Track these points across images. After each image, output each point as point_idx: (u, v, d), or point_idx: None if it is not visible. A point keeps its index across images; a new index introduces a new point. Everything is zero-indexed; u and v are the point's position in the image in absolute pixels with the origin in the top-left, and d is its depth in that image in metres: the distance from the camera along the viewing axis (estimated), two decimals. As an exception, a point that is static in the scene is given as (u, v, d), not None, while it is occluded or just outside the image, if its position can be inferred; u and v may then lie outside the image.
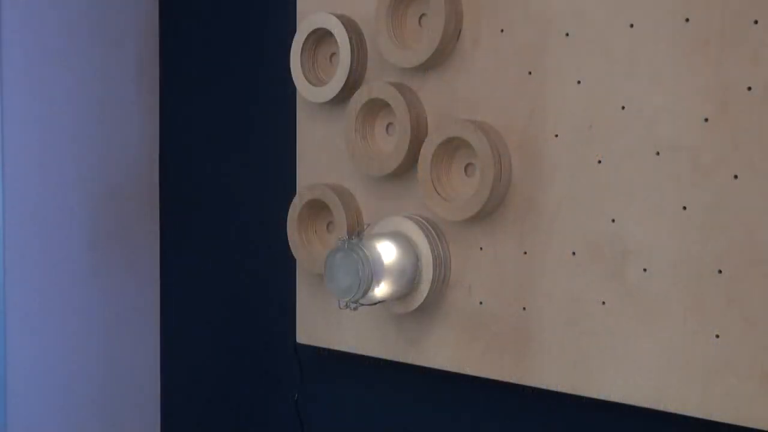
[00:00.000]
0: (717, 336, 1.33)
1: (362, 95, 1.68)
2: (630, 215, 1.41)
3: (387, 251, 1.58)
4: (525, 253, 1.53)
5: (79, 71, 2.12)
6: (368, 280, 1.53)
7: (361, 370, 1.65)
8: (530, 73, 1.51)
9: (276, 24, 1.96)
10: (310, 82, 1.79)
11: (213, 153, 2.16)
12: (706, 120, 1.33)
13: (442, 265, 1.61)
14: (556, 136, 1.49)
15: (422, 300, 1.61)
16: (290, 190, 1.86)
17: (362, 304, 1.59)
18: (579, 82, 1.46)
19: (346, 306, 1.59)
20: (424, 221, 1.62)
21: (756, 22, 1.28)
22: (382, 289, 1.58)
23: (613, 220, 1.43)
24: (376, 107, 1.68)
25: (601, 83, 1.43)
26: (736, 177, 1.31)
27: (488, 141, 1.51)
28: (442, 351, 1.64)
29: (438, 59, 1.60)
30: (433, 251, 1.60)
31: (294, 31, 1.81)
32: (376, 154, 1.69)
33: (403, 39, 1.64)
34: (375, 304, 1.62)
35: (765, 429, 1.30)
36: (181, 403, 2.24)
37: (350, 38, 1.70)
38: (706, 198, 1.33)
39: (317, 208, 1.79)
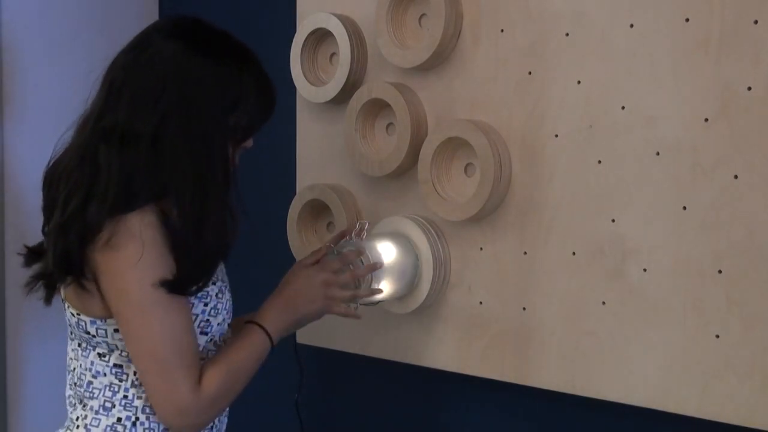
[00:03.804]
0: (717, 336, 1.33)
1: (362, 95, 1.68)
2: (630, 215, 1.41)
3: (387, 251, 1.58)
4: (525, 253, 1.53)
5: (79, 72, 2.12)
6: (368, 280, 1.53)
7: (361, 370, 1.65)
8: (530, 73, 1.51)
9: (276, 24, 1.96)
10: (310, 82, 1.79)
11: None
12: (706, 120, 1.33)
13: (442, 265, 1.61)
14: (556, 136, 1.48)
15: (422, 300, 1.61)
16: (290, 190, 1.86)
17: (362, 304, 1.59)
18: (579, 82, 1.46)
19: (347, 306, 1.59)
20: (424, 221, 1.62)
21: (756, 22, 1.28)
22: (381, 290, 1.58)
23: (613, 220, 1.43)
24: (376, 107, 1.68)
25: (601, 83, 1.43)
26: (736, 177, 1.31)
27: (488, 141, 1.50)
28: (442, 351, 1.64)
29: (438, 59, 1.60)
30: (433, 251, 1.60)
31: (294, 31, 1.81)
32: (376, 154, 1.69)
33: (403, 39, 1.64)
34: (375, 304, 1.62)
35: (765, 429, 1.30)
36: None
37: (350, 38, 1.70)
38: (706, 198, 1.33)
39: (317, 208, 1.79)
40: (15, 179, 2.01)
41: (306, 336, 1.84)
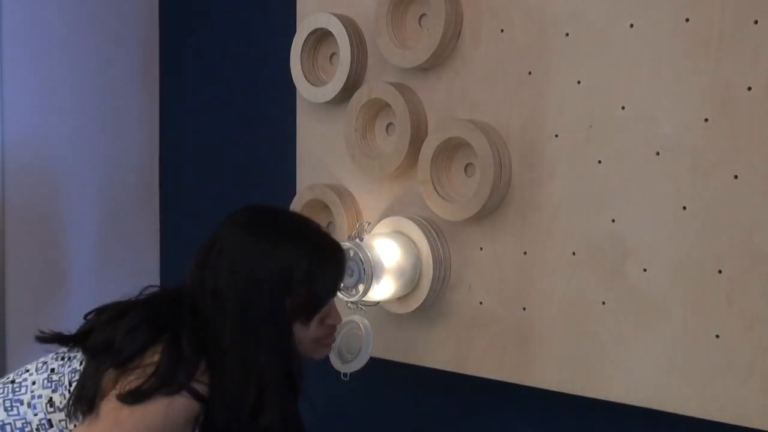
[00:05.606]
0: (717, 336, 1.33)
1: (362, 95, 1.68)
2: (630, 215, 1.41)
3: (387, 251, 1.58)
4: (525, 253, 1.53)
5: (79, 73, 2.12)
6: (368, 280, 1.53)
7: (361, 370, 1.65)
8: (530, 73, 1.51)
9: (276, 24, 1.96)
10: (310, 82, 1.78)
11: (213, 153, 2.16)
12: (706, 120, 1.33)
13: (442, 265, 1.61)
14: (556, 136, 1.48)
15: (422, 300, 1.61)
16: (290, 190, 1.86)
17: (362, 305, 1.59)
18: (579, 82, 1.46)
19: (348, 307, 1.59)
20: (424, 221, 1.62)
21: (756, 22, 1.28)
22: (382, 289, 1.58)
23: (613, 220, 1.43)
24: (376, 107, 1.68)
25: (601, 83, 1.43)
26: (736, 177, 1.31)
27: (488, 141, 1.50)
28: (442, 351, 1.64)
29: (438, 59, 1.60)
30: (433, 251, 1.60)
31: (294, 31, 1.81)
32: (376, 154, 1.69)
33: (403, 39, 1.64)
34: (375, 304, 1.62)
35: (765, 429, 1.30)
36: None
37: (350, 38, 1.70)
38: (706, 198, 1.33)
39: (317, 208, 1.79)
40: (15, 180, 2.00)
41: (306, 336, 1.84)
